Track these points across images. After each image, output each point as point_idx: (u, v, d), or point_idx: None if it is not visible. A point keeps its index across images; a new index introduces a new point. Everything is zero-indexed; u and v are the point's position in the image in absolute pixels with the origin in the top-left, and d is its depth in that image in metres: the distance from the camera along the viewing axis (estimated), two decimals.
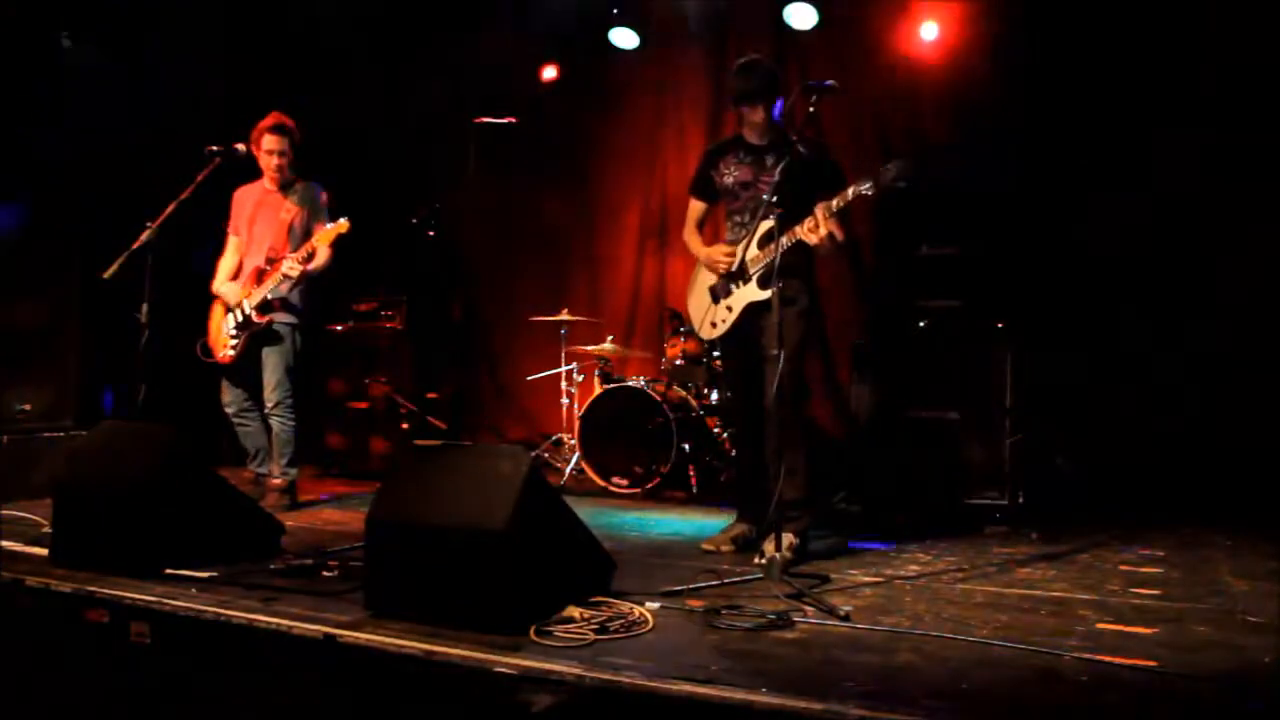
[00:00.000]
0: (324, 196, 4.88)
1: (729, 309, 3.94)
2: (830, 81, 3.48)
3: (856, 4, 6.05)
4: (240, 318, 4.73)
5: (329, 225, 4.62)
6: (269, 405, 4.77)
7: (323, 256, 4.67)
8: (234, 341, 4.74)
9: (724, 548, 3.92)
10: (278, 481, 4.81)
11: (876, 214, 5.54)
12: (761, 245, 3.78)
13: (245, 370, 4.80)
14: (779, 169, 3.49)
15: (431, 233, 6.86)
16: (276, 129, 4.76)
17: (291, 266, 4.57)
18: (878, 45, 6.04)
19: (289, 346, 4.77)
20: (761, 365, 3.82)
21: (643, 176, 7.07)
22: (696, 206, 4.17)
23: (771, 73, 3.89)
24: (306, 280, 4.76)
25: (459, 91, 6.87)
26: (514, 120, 5.93)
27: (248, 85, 5.98)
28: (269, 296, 4.69)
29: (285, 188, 4.85)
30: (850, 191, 3.54)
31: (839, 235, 3.71)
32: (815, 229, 3.59)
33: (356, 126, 7.02)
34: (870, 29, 6.05)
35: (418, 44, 7.09)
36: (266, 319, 4.71)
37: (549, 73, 7.00)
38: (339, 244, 4.68)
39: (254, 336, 4.73)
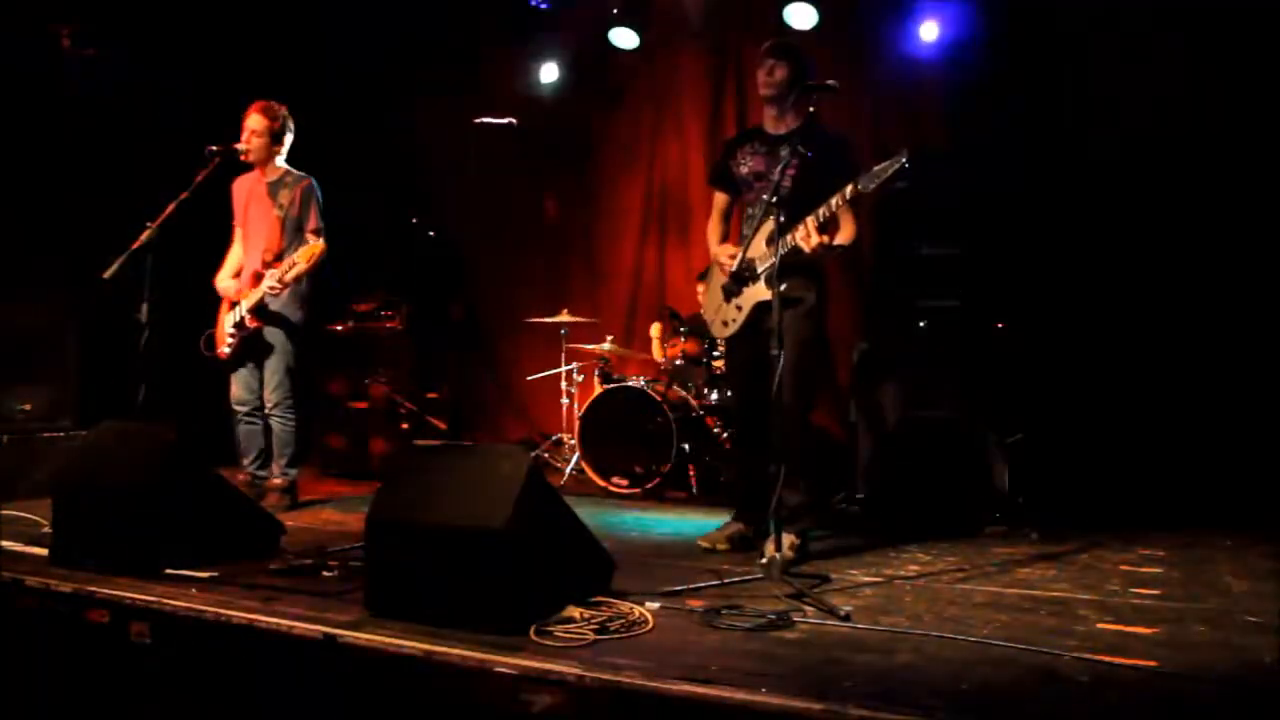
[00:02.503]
0: (316, 193, 4.85)
1: (739, 308, 3.92)
2: (830, 81, 3.47)
3: (856, 4, 6.05)
4: (237, 318, 4.76)
5: (309, 243, 4.61)
6: (269, 405, 4.79)
7: (302, 269, 4.62)
8: (230, 340, 4.78)
9: (720, 545, 3.91)
10: (278, 481, 4.82)
11: (876, 214, 5.53)
12: (768, 243, 3.73)
13: (253, 370, 4.82)
14: (778, 169, 3.46)
15: (431, 233, 6.87)
16: (263, 109, 4.81)
17: (272, 285, 4.58)
18: (878, 45, 6.04)
19: (288, 348, 4.77)
20: (769, 365, 3.82)
21: (642, 176, 7.07)
22: (720, 198, 4.13)
23: (795, 46, 3.87)
24: (307, 281, 4.77)
25: (459, 91, 6.86)
26: (514, 120, 5.94)
27: (247, 85, 5.98)
28: (265, 301, 4.69)
29: (276, 181, 4.84)
30: (822, 211, 3.55)
31: (842, 241, 3.70)
32: (807, 237, 3.57)
33: (357, 127, 7.02)
34: (870, 29, 6.05)
35: (418, 43, 7.09)
36: (258, 324, 4.72)
37: (549, 72, 7.00)
38: (327, 253, 4.68)
39: (248, 338, 4.75)
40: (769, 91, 3.84)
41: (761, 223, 3.76)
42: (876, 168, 3.39)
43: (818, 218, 3.57)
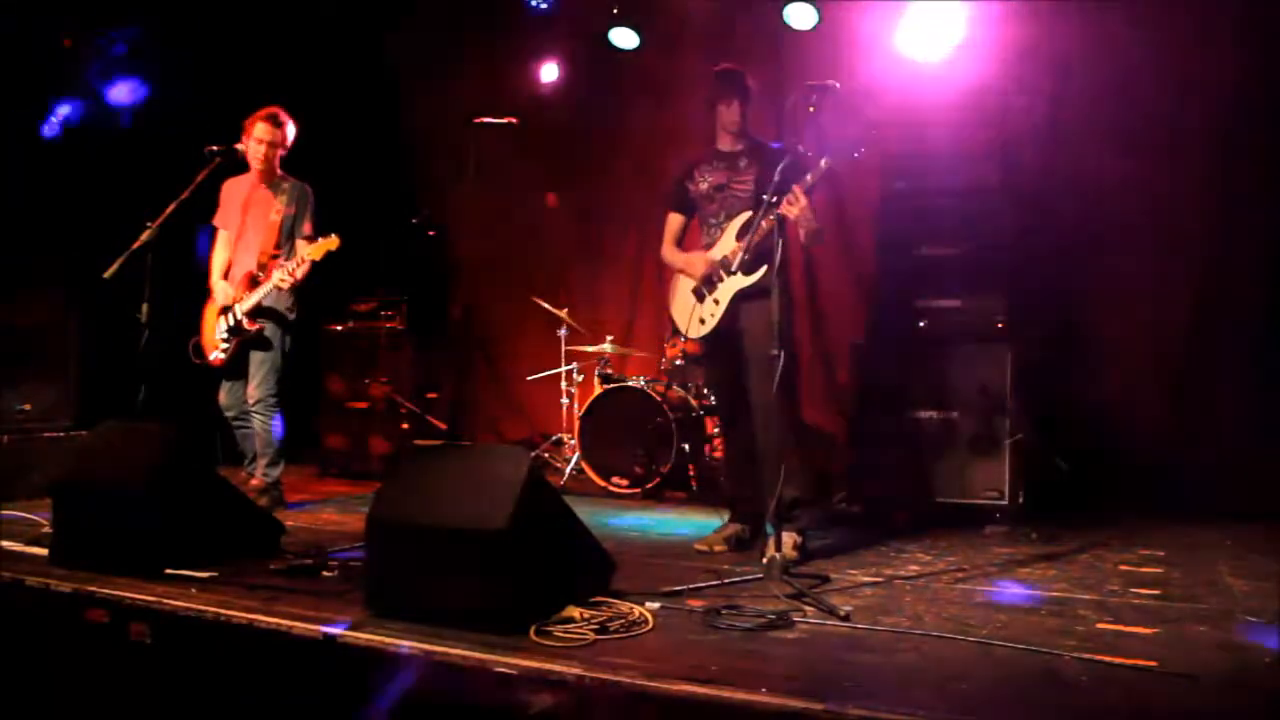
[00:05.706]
0: (311, 199, 4.83)
1: (716, 302, 3.96)
2: (830, 81, 3.48)
3: (856, 4, 6.04)
4: (232, 322, 4.70)
5: (320, 239, 4.52)
6: (251, 401, 4.73)
7: (308, 267, 4.59)
8: (225, 345, 4.73)
9: (717, 548, 3.92)
10: (256, 482, 4.75)
11: (876, 214, 5.52)
12: (739, 237, 3.85)
13: (242, 373, 4.78)
14: (779, 169, 3.50)
15: (431, 233, 6.86)
16: (270, 118, 4.77)
17: (283, 279, 4.55)
18: (878, 45, 6.02)
19: (277, 348, 4.74)
20: (747, 359, 3.84)
21: (642, 176, 7.04)
22: (675, 220, 4.24)
23: (744, 77, 4.03)
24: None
25: (459, 91, 6.86)
26: (514, 120, 5.93)
27: (246, 85, 5.98)
28: (262, 303, 4.66)
29: (274, 186, 4.82)
30: (809, 178, 3.63)
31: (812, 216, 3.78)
32: (794, 201, 3.59)
33: (357, 126, 7.02)
34: (870, 29, 6.04)
35: (418, 42, 7.08)
36: (258, 326, 4.69)
37: (549, 73, 7.00)
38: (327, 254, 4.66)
39: (244, 341, 4.72)
40: (733, 128, 4.03)
41: (729, 222, 3.92)
42: (825, 161, 3.57)
43: (804, 184, 3.62)
